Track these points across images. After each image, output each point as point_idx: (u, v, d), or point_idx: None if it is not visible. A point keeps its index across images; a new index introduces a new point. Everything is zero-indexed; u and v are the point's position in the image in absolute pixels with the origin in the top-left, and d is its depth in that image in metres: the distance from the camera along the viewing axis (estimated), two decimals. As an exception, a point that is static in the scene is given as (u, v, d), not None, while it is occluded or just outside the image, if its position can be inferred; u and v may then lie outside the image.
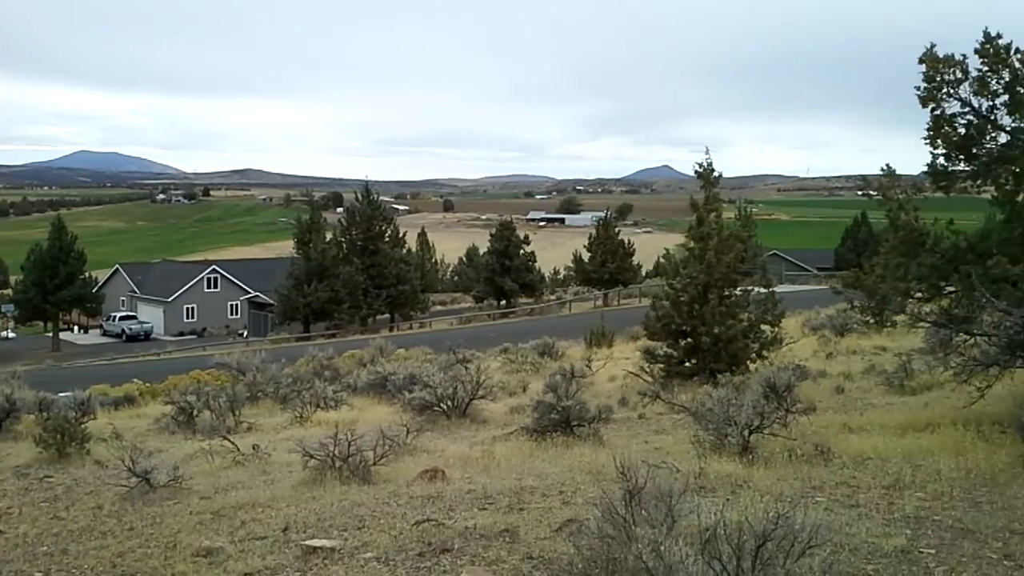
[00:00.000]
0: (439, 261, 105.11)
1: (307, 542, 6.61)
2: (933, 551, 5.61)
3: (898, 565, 5.33)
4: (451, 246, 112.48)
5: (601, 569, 5.32)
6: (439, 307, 72.36)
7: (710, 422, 10.11)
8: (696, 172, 19.46)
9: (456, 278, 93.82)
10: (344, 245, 60.54)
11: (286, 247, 74.58)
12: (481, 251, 74.56)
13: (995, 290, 9.41)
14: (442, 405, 15.55)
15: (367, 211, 60.63)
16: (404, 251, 64.83)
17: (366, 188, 62.32)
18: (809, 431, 10.50)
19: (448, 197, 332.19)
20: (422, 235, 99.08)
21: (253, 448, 11.90)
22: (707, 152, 19.46)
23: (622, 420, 14.74)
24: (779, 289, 27.22)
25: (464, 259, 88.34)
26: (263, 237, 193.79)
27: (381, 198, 69.23)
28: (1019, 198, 9.81)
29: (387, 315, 60.81)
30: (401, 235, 63.94)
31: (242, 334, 67.40)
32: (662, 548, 3.63)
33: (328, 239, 61.29)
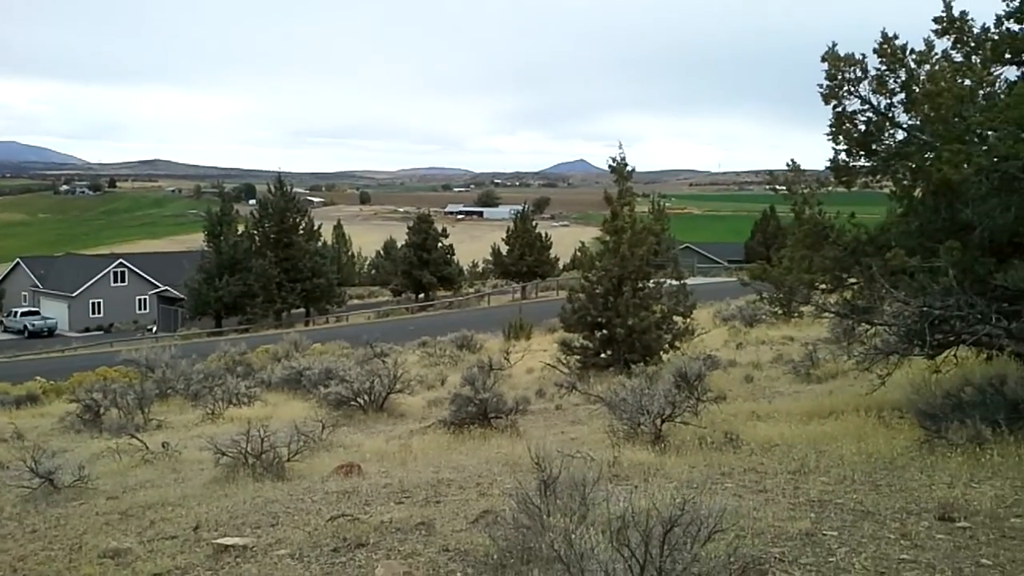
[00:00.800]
0: (356, 254, 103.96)
1: (219, 540, 6.49)
2: (835, 533, 5.81)
3: (802, 547, 5.51)
4: (368, 239, 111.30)
5: (516, 559, 5.37)
6: (356, 301, 71.56)
7: (624, 412, 10.29)
8: (610, 167, 19.74)
9: (373, 271, 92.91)
10: (257, 238, 59.34)
11: (196, 240, 72.71)
12: (399, 244, 73.99)
13: (894, 281, 9.79)
14: (359, 400, 15.44)
15: (280, 203, 59.55)
16: (319, 244, 63.95)
17: (279, 180, 61.20)
18: (719, 419, 10.77)
19: (365, 190, 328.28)
20: (338, 228, 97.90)
21: (163, 446, 11.62)
22: (620, 147, 19.77)
23: (539, 411, 14.88)
24: (691, 281, 27.79)
25: (381, 252, 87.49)
26: (172, 230, 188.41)
27: (295, 190, 68.04)
28: (915, 193, 10.23)
29: (302, 309, 59.92)
30: (316, 228, 63.04)
31: (151, 329, 65.51)
32: (573, 537, 3.68)
33: (240, 232, 60.00)
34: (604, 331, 18.98)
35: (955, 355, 10.76)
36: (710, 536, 3.73)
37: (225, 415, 15.80)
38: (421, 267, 64.29)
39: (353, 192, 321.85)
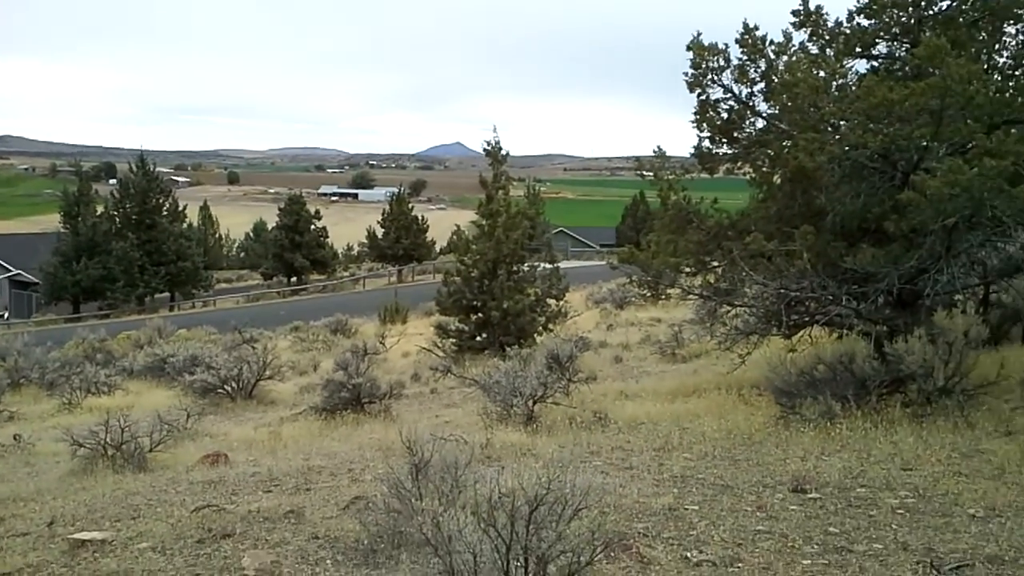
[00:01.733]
0: (224, 236, 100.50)
1: (75, 535, 6.18)
2: (696, 507, 6.04)
3: (665, 522, 5.70)
4: (237, 220, 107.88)
5: (387, 543, 5.35)
6: (224, 285, 69.28)
7: (498, 394, 10.40)
8: (485, 150, 19.79)
9: (243, 254, 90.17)
10: (117, 219, 56.54)
11: (52, 221, 68.55)
12: (269, 226, 72.02)
13: (753, 264, 10.21)
14: (226, 387, 15.02)
15: (142, 183, 56.89)
16: (185, 226, 61.53)
17: (141, 158, 58.44)
18: (589, 399, 11.02)
19: (233, 169, 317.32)
20: (205, 209, 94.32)
21: (14, 439, 10.99)
22: (495, 131, 19.84)
23: (414, 395, 14.84)
24: (565, 265, 28.27)
25: (251, 234, 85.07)
26: (25, 210, 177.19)
27: (158, 169, 65.08)
28: (774, 179, 10.69)
29: (167, 294, 57.57)
30: (181, 209, 60.58)
31: (2, 316, 61.64)
32: (442, 520, 3.69)
33: (99, 213, 57.02)
34: (479, 314, 19.08)
35: (810, 335, 11.32)
36: (575, 514, 3.80)
37: (83, 405, 15.05)
38: (293, 250, 62.80)
39: (221, 172, 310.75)
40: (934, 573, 4.66)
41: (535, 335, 19.01)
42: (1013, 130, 9.32)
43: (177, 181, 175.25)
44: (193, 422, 11.37)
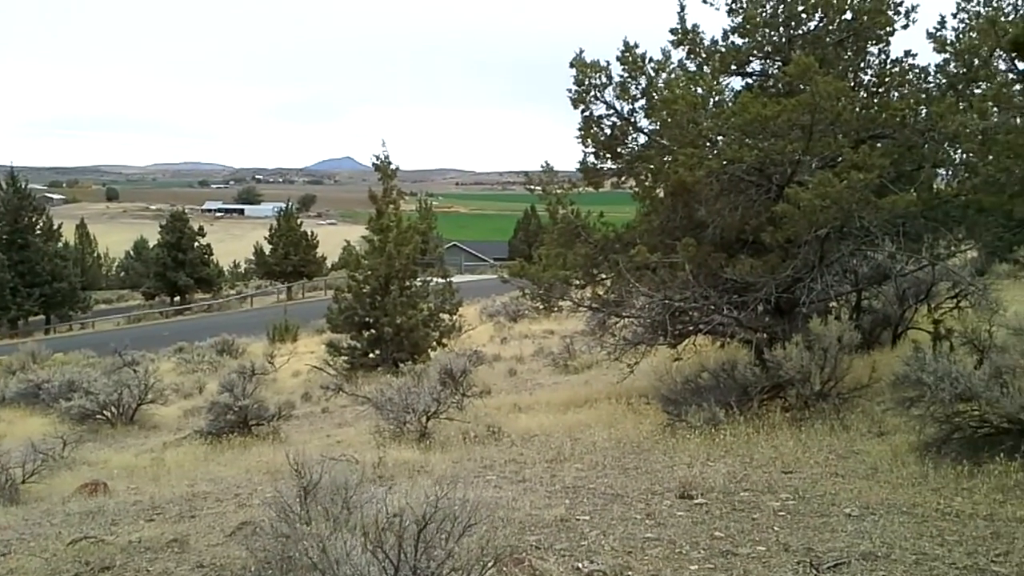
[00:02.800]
0: (103, 256, 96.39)
1: (-64, 579, 5.81)
2: (588, 517, 6.12)
3: (557, 533, 5.75)
4: (117, 239, 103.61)
5: (275, 570, 5.21)
6: (104, 306, 66.41)
7: (390, 411, 10.29)
8: (374, 165, 19.64)
9: (123, 274, 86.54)
10: (-14, 239, 53.54)
11: (-89, 242, 64.44)
12: (151, 244, 69.43)
13: (639, 276, 10.45)
14: (106, 412, 14.42)
15: (13, 201, 54.01)
16: (60, 245, 58.71)
17: (11, 175, 55.56)
18: (483, 413, 11.04)
19: (112, 186, 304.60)
20: (82, 227, 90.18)
21: None
22: (384, 145, 19.72)
23: (305, 416, 14.56)
24: (459, 279, 28.28)
25: (132, 253, 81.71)
26: None
27: (31, 186, 61.98)
28: (656, 193, 10.98)
29: (41, 316, 54.80)
30: (56, 227, 57.82)
31: None
32: (328, 543, 3.62)
33: (-34, 233, 53.87)
34: (372, 331, 18.88)
35: (695, 343, 11.67)
36: (464, 530, 3.79)
37: (-53, 437, 14.17)
38: (176, 268, 60.67)
39: (99, 188, 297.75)
40: (813, 572, 4.84)
41: (429, 350, 18.93)
42: (878, 144, 9.85)
43: (51, 198, 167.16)
44: (70, 450, 10.87)
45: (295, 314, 33.05)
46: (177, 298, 61.76)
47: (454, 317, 20.06)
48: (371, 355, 18.95)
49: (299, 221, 69.43)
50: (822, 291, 10.11)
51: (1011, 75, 7.04)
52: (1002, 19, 7.16)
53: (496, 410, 11.60)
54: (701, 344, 11.79)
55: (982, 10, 7.83)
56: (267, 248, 67.73)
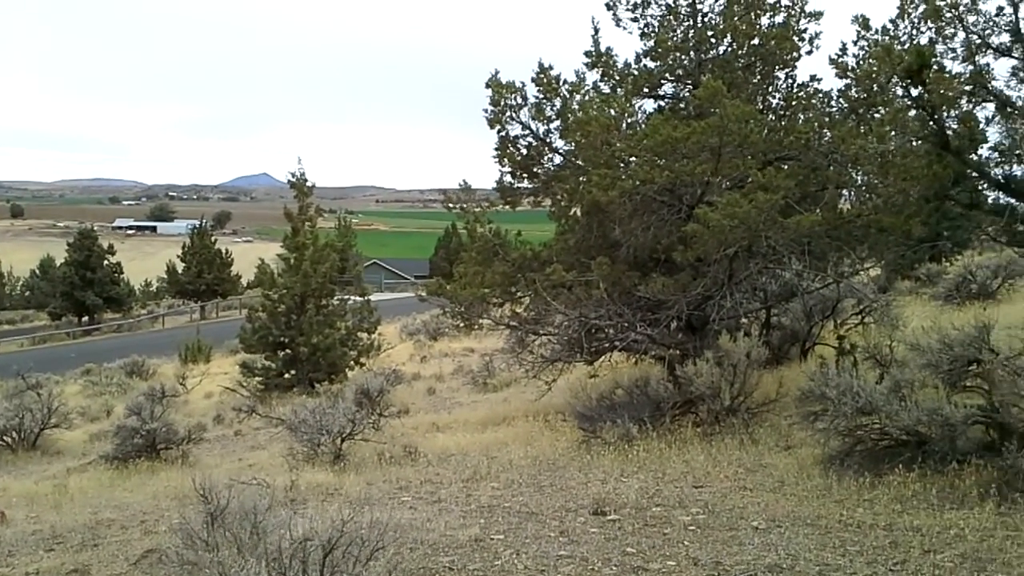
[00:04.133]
0: (6, 274, 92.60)
1: None
2: (502, 536, 6.11)
3: (471, 553, 5.73)
4: (21, 257, 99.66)
5: (179, 599, 5.06)
6: (7, 327, 63.66)
7: (304, 433, 10.11)
8: (290, 182, 19.36)
9: (28, 293, 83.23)
10: None
11: None
12: (58, 262, 66.94)
13: (555, 294, 10.54)
14: (6, 438, 13.83)
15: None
16: (-41, 264, 56.24)
17: (-94, 191, 53.08)
18: (400, 433, 10.94)
19: (16, 202, 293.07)
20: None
21: None
22: (300, 162, 19.46)
23: (217, 439, 14.20)
24: (379, 297, 28.04)
25: (37, 272, 78.66)
26: None
27: (-73, 203, 59.29)
28: (571, 212, 11.11)
29: (-62, 339, 52.29)
30: (-45, 246, 55.40)
31: None
32: (231, 571, 3.53)
33: None
34: (287, 351, 18.55)
35: (610, 360, 11.80)
36: (372, 554, 3.75)
37: None
38: (84, 287, 58.56)
39: (3, 205, 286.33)
40: (721, 585, 4.93)
41: (346, 370, 18.70)
42: (784, 166, 10.16)
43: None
44: (-36, 480, 10.37)
45: (209, 334, 32.26)
46: (85, 318, 59.65)
47: (373, 336, 19.88)
48: (286, 376, 18.62)
49: (213, 239, 67.95)
50: (732, 308, 10.34)
51: (907, 101, 7.36)
52: (897, 47, 7.49)
53: (414, 430, 11.52)
54: (617, 361, 11.92)
55: (880, 38, 8.16)
56: (180, 266, 66.07)
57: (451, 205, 11.56)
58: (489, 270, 11.20)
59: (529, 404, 12.04)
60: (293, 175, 19.29)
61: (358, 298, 20.39)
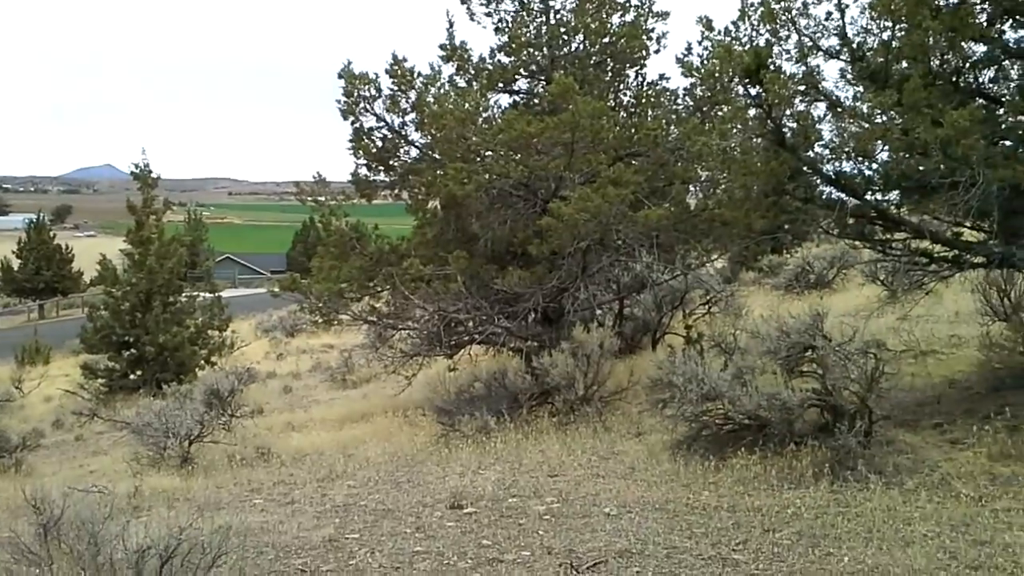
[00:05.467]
0: None
1: None
2: (357, 535, 6.02)
3: (325, 554, 5.61)
4: None
5: (8, 619, 4.73)
6: None
7: (150, 436, 9.68)
8: (133, 173, 18.45)
9: None
10: None
11: None
12: None
13: (414, 288, 10.47)
14: None
15: None
16: None
17: None
18: (253, 434, 10.63)
19: None
20: None
21: None
22: (144, 152, 18.59)
23: (56, 445, 13.44)
24: (233, 293, 27.14)
25: None
26: None
27: None
28: (429, 206, 11.06)
29: None
30: None
31: None
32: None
33: None
34: (132, 350, 17.68)
35: (470, 353, 11.83)
36: (215, 560, 3.60)
37: None
38: (-95, 287, 54.23)
39: None
40: (573, 573, 5.01)
41: (196, 370, 18.00)
42: (634, 162, 10.45)
43: None
44: None
45: (48, 334, 30.39)
46: (-96, 320, 55.04)
47: (224, 334, 19.22)
48: (131, 377, 17.75)
49: (52, 233, 63.97)
50: (587, 300, 10.57)
51: (747, 99, 7.68)
52: (737, 48, 7.80)
53: (267, 430, 11.22)
54: (476, 354, 11.96)
55: (723, 39, 8.48)
56: (15, 263, 61.88)
57: (305, 198, 11.31)
58: (346, 264, 11.04)
59: (389, 400, 11.93)
60: (137, 166, 18.41)
61: (208, 294, 19.65)
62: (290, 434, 10.75)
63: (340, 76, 10.09)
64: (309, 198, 11.26)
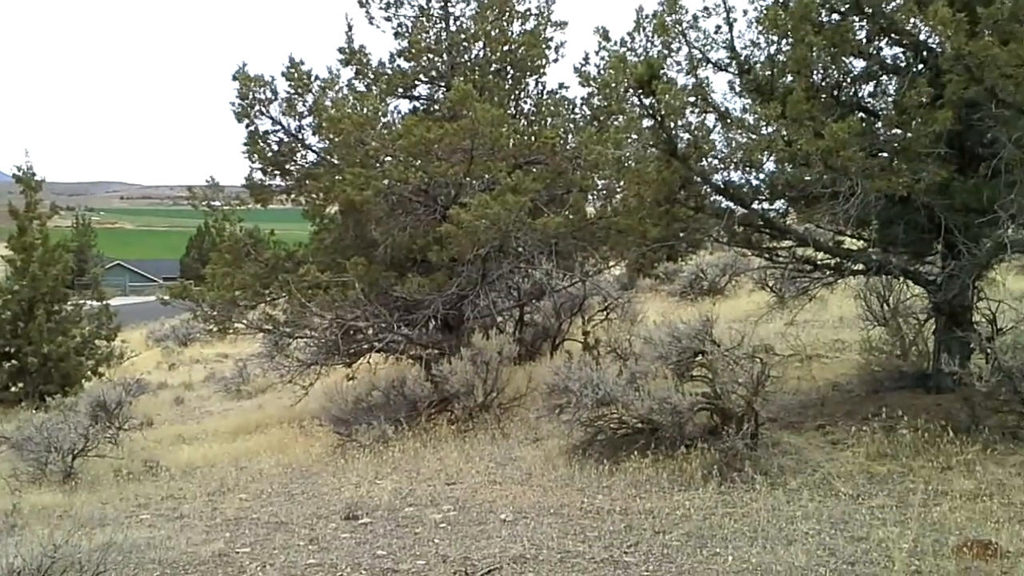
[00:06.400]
0: None
1: None
2: (249, 549, 5.87)
3: (214, 570, 5.45)
4: None
5: None
6: None
7: (31, 451, 9.24)
8: (15, 176, 17.59)
9: None
10: None
11: None
12: None
13: (311, 295, 10.28)
14: None
15: None
16: None
17: None
18: (141, 447, 10.28)
19: None
20: None
21: None
22: (27, 154, 17.76)
23: (-75, 464, 12.64)
24: (123, 301, 26.15)
25: None
26: None
27: None
28: (327, 211, 10.90)
29: None
30: None
31: None
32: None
33: None
34: (14, 361, 16.82)
35: (369, 361, 11.68)
36: (91, 581, 3.46)
37: None
38: None
39: None
40: (468, 580, 5.00)
41: (82, 381, 17.26)
42: (533, 169, 10.53)
43: None
44: None
45: (-81, 345, 28.65)
46: None
47: (113, 343, 18.48)
48: (13, 389, 16.89)
49: (-74, 238, 60.50)
50: (487, 307, 10.60)
51: (641, 110, 7.83)
52: (632, 58, 7.94)
53: (157, 443, 10.85)
54: (376, 362, 11.83)
55: (619, 49, 8.63)
56: None
57: (198, 203, 11.00)
58: (240, 271, 10.77)
59: (285, 410, 11.69)
60: (19, 168, 17.56)
61: (96, 302, 18.87)
62: (181, 447, 10.42)
63: (235, 78, 9.87)
64: (202, 203, 10.95)
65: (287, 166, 10.65)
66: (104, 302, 18.69)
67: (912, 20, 6.79)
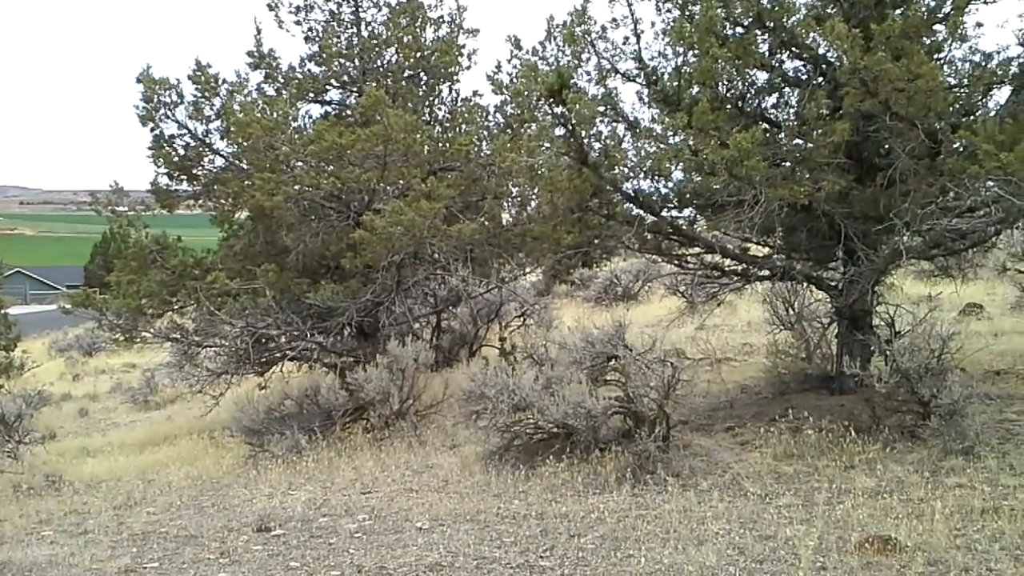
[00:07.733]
0: None
1: None
2: (157, 564, 5.72)
3: (119, 586, 5.30)
4: None
5: None
6: None
7: (-80, 470, 8.82)
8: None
9: None
10: None
11: None
12: None
13: (220, 303, 10.07)
14: None
15: None
16: None
17: None
18: (42, 461, 9.91)
19: None
20: None
21: None
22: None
23: None
24: (23, 310, 25.14)
25: None
26: None
27: None
28: (236, 217, 10.69)
29: None
30: None
31: None
32: None
33: None
34: (-99, 375, 16.04)
35: (282, 370, 11.50)
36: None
37: None
38: None
39: None
40: (383, 589, 4.97)
41: (-21, 394, 16.53)
42: (447, 177, 10.53)
43: None
44: None
45: None
46: None
47: (12, 354, 17.74)
48: (-99, 404, 16.07)
49: None
50: (403, 314, 10.55)
51: (552, 119, 7.92)
52: (544, 67, 8.04)
53: (60, 456, 10.48)
54: (289, 371, 11.66)
55: (531, 58, 8.71)
56: None
57: (101, 208, 10.66)
58: (146, 278, 10.48)
59: (195, 421, 11.43)
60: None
61: (-7, 312, 18.08)
62: (85, 460, 10.09)
63: (139, 80, 9.61)
64: (106, 208, 10.62)
65: (194, 171, 10.41)
66: (2, 311, 17.92)
67: (811, 35, 7.03)
